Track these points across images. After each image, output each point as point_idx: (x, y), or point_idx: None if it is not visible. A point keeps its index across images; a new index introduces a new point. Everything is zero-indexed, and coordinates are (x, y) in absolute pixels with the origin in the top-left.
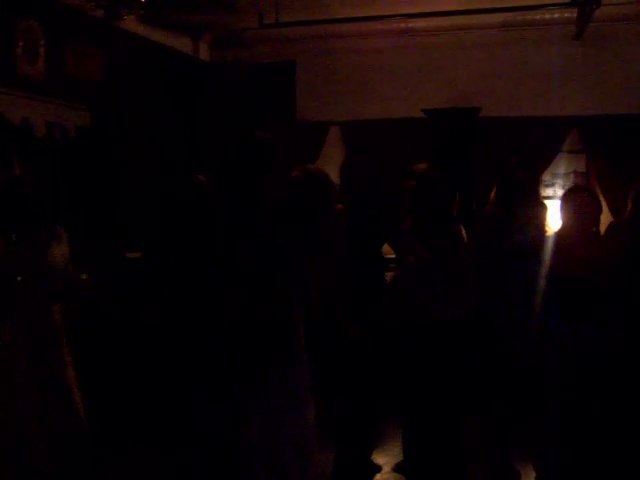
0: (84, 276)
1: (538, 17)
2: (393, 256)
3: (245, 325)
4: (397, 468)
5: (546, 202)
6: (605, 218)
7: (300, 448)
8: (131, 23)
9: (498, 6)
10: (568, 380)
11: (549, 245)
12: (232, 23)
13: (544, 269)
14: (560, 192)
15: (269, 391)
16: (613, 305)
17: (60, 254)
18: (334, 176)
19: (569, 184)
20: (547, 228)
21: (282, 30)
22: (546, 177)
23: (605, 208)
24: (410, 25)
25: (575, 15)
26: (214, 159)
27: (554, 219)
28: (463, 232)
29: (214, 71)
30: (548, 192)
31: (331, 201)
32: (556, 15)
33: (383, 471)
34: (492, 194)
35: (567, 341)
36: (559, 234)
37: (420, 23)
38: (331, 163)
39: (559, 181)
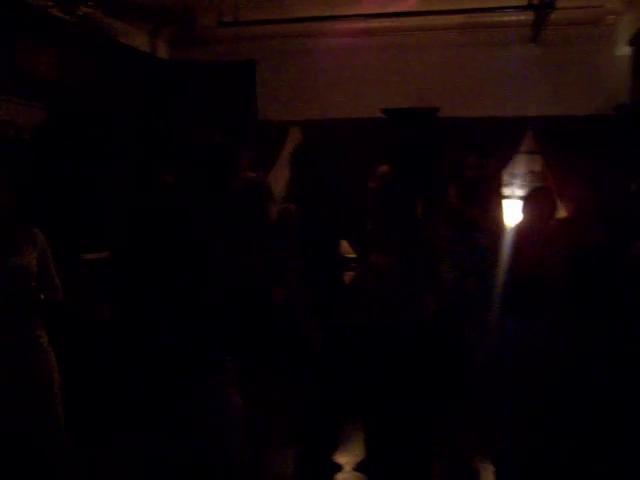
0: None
1: (496, 19)
2: (354, 256)
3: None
4: (358, 467)
5: (503, 201)
6: (560, 216)
7: (225, 445)
8: (87, 19)
9: (457, 8)
10: (522, 375)
11: (506, 243)
12: (191, 21)
13: (501, 266)
14: (518, 192)
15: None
16: (566, 301)
17: (35, 257)
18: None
19: (526, 184)
20: (504, 226)
21: (242, 29)
22: (504, 177)
23: (560, 206)
24: (370, 25)
25: (532, 18)
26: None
27: (511, 218)
28: (426, 232)
29: (173, 70)
30: (506, 191)
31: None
32: (513, 18)
33: (344, 470)
34: (451, 193)
35: (521, 336)
36: (517, 232)
37: (380, 23)
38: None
39: (517, 181)
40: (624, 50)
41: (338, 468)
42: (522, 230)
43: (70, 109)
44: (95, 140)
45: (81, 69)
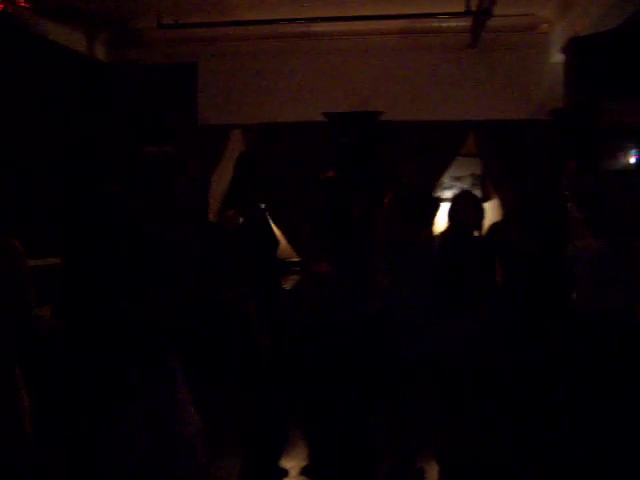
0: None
1: (435, 25)
2: (297, 259)
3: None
4: (304, 472)
5: (444, 204)
6: (498, 217)
7: (180, 454)
8: (21, 17)
9: (397, 13)
10: (458, 370)
11: (437, 245)
12: (130, 23)
13: (432, 267)
14: None
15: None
16: (495, 299)
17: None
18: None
19: (466, 187)
20: (436, 229)
21: (183, 31)
22: (445, 180)
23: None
24: (312, 29)
25: (469, 24)
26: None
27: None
28: (366, 234)
29: (111, 71)
30: (447, 194)
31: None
32: (452, 24)
33: (290, 475)
34: (387, 198)
35: (453, 333)
36: (443, 234)
37: (322, 27)
38: (232, 166)
39: (458, 184)
40: (557, 57)
41: (284, 473)
42: (447, 232)
43: (2, 110)
44: (29, 144)
45: (14, 69)
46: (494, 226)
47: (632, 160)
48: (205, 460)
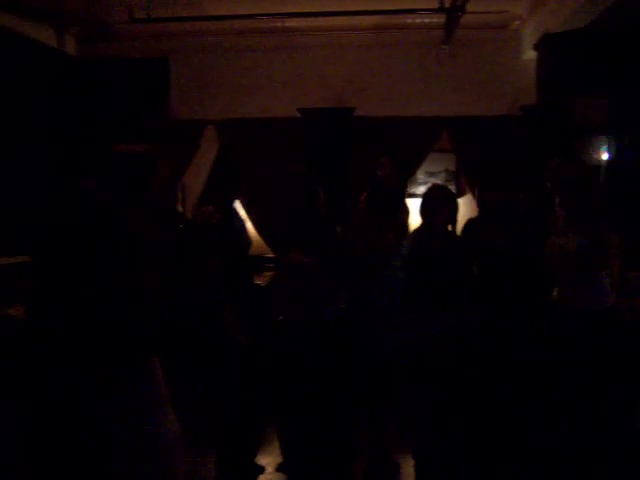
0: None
1: (409, 21)
2: (272, 255)
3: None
4: (280, 468)
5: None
6: (472, 213)
7: (159, 455)
8: None
9: (371, 9)
10: (430, 365)
11: (410, 242)
12: (101, 16)
13: (406, 262)
14: None
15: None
16: (467, 295)
17: None
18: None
19: (440, 182)
20: (409, 225)
21: (155, 25)
22: (420, 175)
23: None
24: (286, 24)
25: (443, 21)
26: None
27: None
28: (338, 230)
29: (82, 66)
30: (421, 189)
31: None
32: (426, 20)
33: (266, 472)
34: (364, 194)
35: (427, 328)
36: (417, 231)
37: (296, 23)
38: (206, 162)
39: (431, 179)
40: (529, 54)
41: (260, 470)
42: (421, 227)
43: None
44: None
45: None
46: (470, 222)
47: (603, 157)
48: (183, 459)
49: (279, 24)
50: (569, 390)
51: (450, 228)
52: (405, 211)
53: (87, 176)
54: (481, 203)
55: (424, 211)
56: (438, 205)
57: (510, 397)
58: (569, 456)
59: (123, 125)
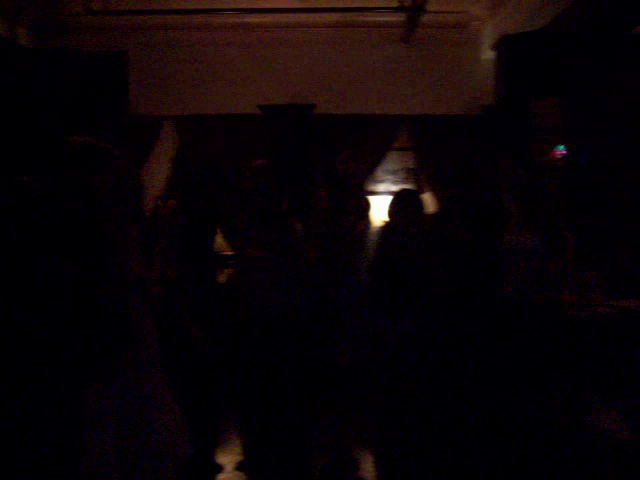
0: None
1: (370, 19)
2: (229, 253)
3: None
4: (239, 466)
5: (377, 197)
6: (431, 211)
7: (155, 450)
8: None
9: (332, 6)
10: (387, 372)
11: (372, 241)
12: (56, 7)
13: (368, 264)
14: (392, 188)
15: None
16: (428, 301)
17: None
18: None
19: (400, 180)
20: (372, 223)
21: (114, 18)
22: (379, 173)
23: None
24: (247, 20)
25: (403, 20)
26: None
27: (381, 214)
28: (299, 226)
29: (35, 58)
30: (380, 188)
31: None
32: (386, 18)
33: (225, 470)
34: (323, 189)
35: (386, 335)
36: (382, 232)
37: (256, 19)
38: (165, 158)
39: (390, 177)
40: (488, 54)
41: (219, 469)
42: (386, 230)
43: None
44: None
45: None
46: (431, 219)
47: (559, 157)
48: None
49: (240, 20)
50: (517, 380)
51: (414, 230)
52: (367, 206)
53: (26, 170)
54: (439, 201)
55: (391, 214)
56: (406, 211)
57: (467, 392)
58: (514, 447)
59: (78, 119)
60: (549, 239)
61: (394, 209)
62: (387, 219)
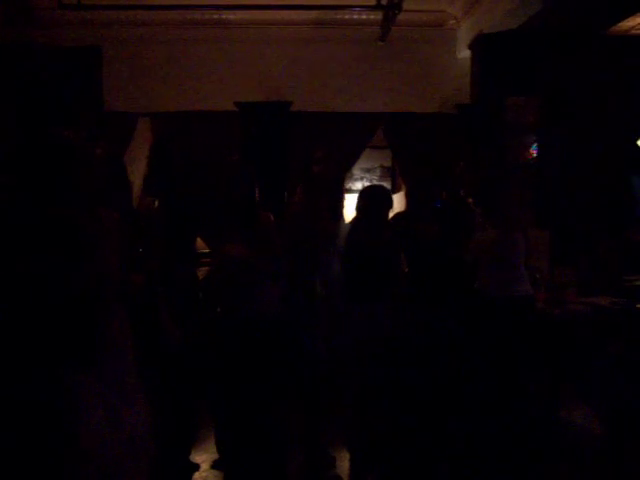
0: None
1: (347, 17)
2: (207, 251)
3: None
4: (215, 465)
5: (353, 195)
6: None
7: (132, 445)
8: None
9: (309, 4)
10: (362, 362)
11: (344, 235)
12: (27, 1)
13: (339, 257)
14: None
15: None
16: (400, 289)
17: None
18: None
19: (375, 178)
20: (345, 218)
21: (88, 13)
22: (355, 171)
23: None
24: (223, 17)
25: (380, 18)
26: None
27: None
28: (273, 224)
29: (6, 53)
30: (357, 185)
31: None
32: (363, 16)
33: (201, 469)
34: (298, 189)
35: (359, 324)
36: (352, 226)
37: (232, 15)
38: (140, 155)
39: (367, 175)
40: (464, 53)
41: (195, 467)
42: (356, 223)
43: None
44: None
45: None
46: (399, 216)
47: (534, 155)
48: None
49: (216, 16)
50: (489, 375)
51: (383, 224)
52: (341, 204)
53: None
54: (411, 197)
55: (360, 209)
56: (374, 204)
57: (440, 385)
58: (486, 440)
59: (52, 115)
60: (512, 236)
61: (362, 205)
62: (357, 213)
